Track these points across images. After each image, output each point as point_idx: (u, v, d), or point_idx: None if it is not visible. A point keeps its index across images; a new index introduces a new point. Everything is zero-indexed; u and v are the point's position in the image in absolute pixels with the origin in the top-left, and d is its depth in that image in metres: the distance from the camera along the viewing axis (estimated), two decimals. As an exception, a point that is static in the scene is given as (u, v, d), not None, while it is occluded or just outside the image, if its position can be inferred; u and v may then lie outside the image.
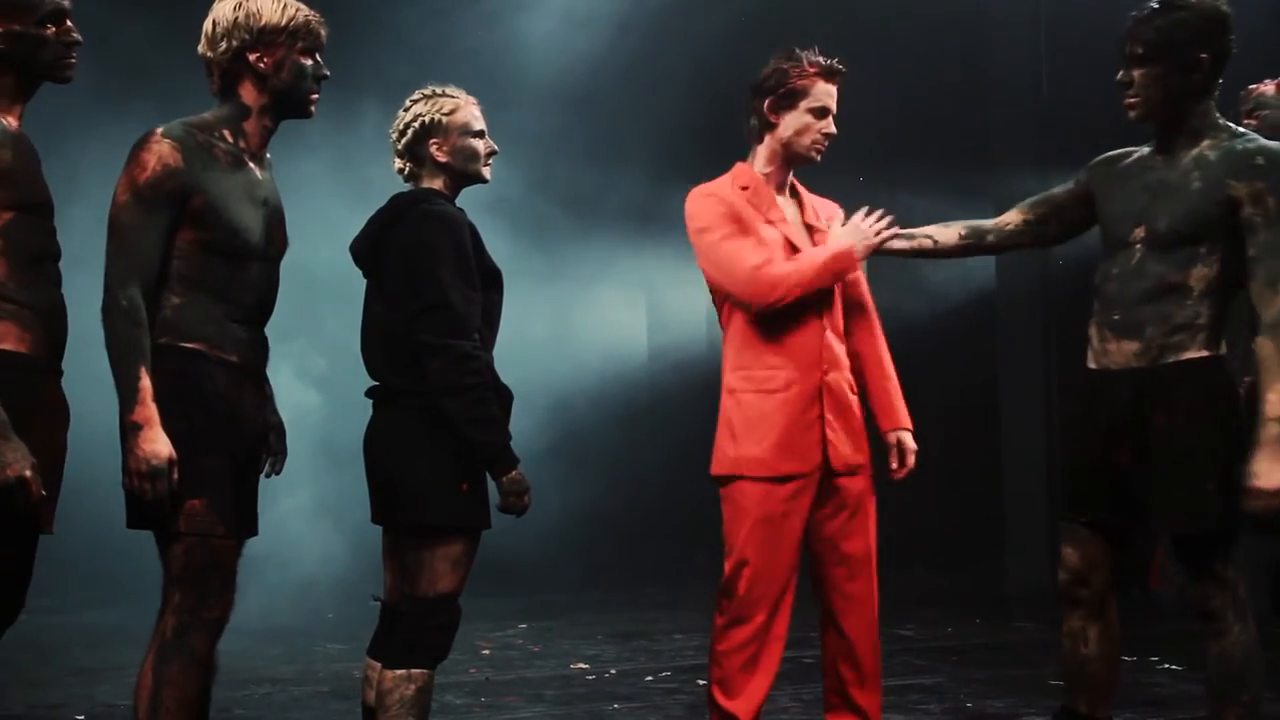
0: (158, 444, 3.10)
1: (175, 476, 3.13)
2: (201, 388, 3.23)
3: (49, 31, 3.17)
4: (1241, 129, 3.52)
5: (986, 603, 8.55)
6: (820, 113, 3.83)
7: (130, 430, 3.11)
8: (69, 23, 3.21)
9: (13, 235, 3.12)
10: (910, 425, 3.99)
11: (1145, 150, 3.63)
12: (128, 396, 3.12)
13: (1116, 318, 3.53)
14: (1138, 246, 3.51)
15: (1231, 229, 3.41)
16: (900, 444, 3.96)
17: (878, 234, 3.80)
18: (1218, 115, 3.51)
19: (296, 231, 3.54)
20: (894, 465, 3.96)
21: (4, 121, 3.15)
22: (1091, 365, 3.63)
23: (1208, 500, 3.40)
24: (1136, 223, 3.52)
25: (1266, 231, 3.35)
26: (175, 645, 3.18)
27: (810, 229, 3.90)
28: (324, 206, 7.39)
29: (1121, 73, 3.51)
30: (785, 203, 3.92)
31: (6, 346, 3.09)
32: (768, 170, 3.90)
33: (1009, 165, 9.08)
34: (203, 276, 3.24)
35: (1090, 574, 3.66)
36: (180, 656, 3.18)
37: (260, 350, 3.41)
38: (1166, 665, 5.82)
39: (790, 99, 3.82)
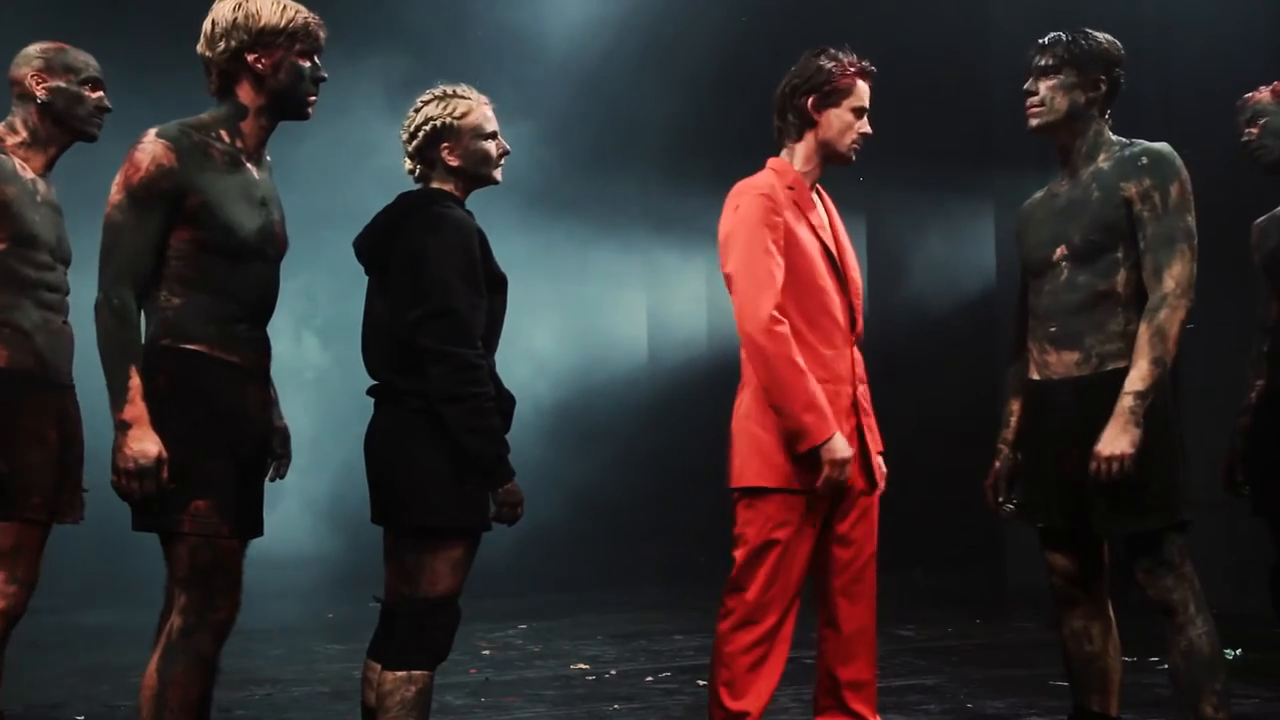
0: (145, 442, 3.11)
1: (164, 475, 3.13)
2: (204, 388, 3.23)
3: (87, 93, 3.83)
4: (1132, 140, 3.67)
5: (986, 603, 8.55)
6: (860, 112, 3.86)
7: (119, 428, 3.12)
8: (102, 91, 3.87)
9: (3, 262, 3.68)
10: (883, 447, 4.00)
11: (1052, 183, 3.83)
12: (118, 395, 3.13)
13: (1054, 330, 3.68)
14: (1062, 264, 3.67)
15: (1134, 230, 3.58)
16: (877, 467, 3.98)
17: (837, 472, 3.66)
18: (1110, 134, 3.71)
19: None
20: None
21: (13, 162, 3.74)
22: (1034, 377, 3.78)
23: (1153, 498, 3.52)
24: (1055, 244, 3.70)
25: (1154, 225, 3.55)
26: (181, 646, 3.19)
27: (838, 226, 3.90)
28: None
29: (1029, 83, 3.72)
30: (815, 201, 3.90)
31: None
32: (807, 169, 3.88)
33: (1009, 165, 9.08)
34: (201, 276, 3.24)
35: (1082, 573, 3.75)
36: (185, 657, 3.19)
37: (263, 350, 3.41)
38: (1166, 666, 5.82)
39: (834, 97, 3.83)
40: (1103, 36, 3.70)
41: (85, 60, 3.89)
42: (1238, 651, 5.98)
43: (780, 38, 8.37)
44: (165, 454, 3.12)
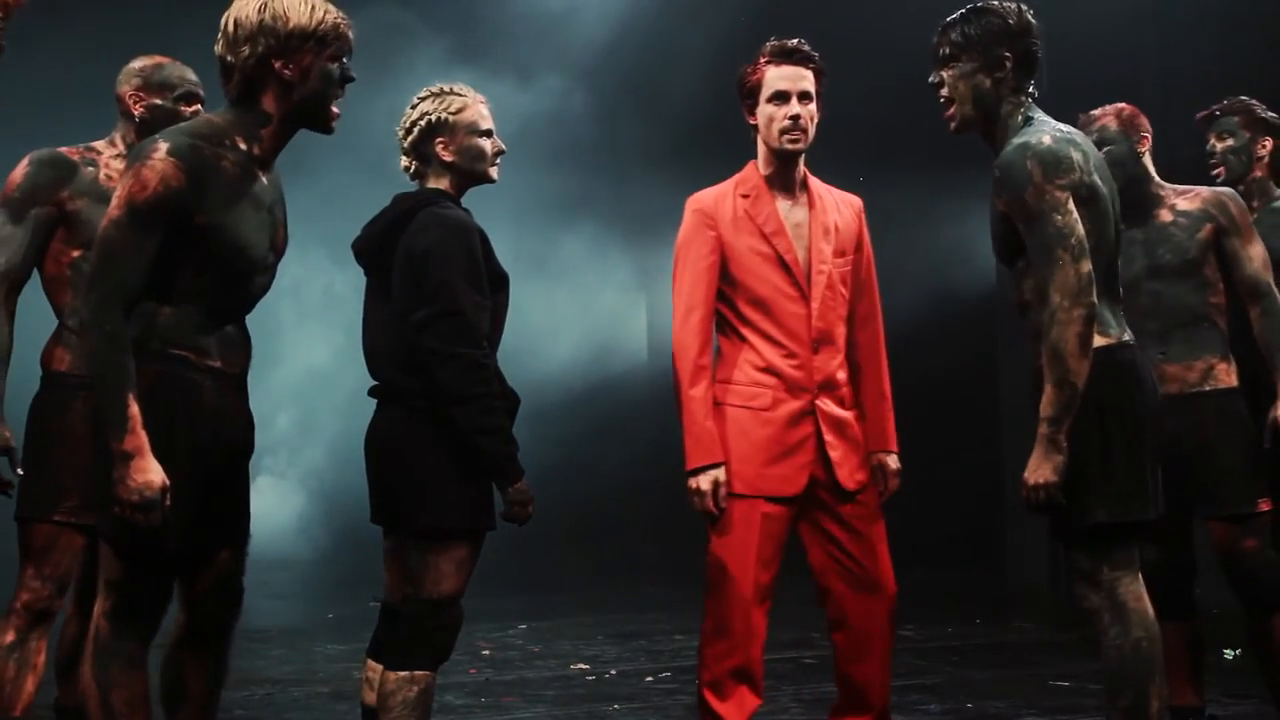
0: (150, 473, 2.96)
1: (168, 504, 2.98)
2: (185, 397, 3.09)
3: (182, 109, 3.94)
4: (1036, 125, 3.45)
5: (986, 603, 8.54)
6: (778, 98, 3.78)
7: (120, 459, 2.95)
8: (199, 104, 3.97)
9: (81, 268, 3.82)
10: (896, 448, 3.96)
11: None
12: (116, 424, 2.95)
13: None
14: (1010, 272, 3.52)
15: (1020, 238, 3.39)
16: (884, 467, 3.94)
17: (703, 500, 3.84)
18: (1022, 119, 3.46)
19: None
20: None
21: (98, 171, 3.89)
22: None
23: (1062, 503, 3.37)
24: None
25: (1028, 238, 3.34)
26: (113, 649, 3.10)
27: (823, 229, 3.86)
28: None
29: (932, 74, 3.53)
30: (788, 205, 3.87)
31: (52, 367, 3.92)
32: (768, 172, 3.88)
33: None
34: (200, 289, 3.10)
35: None
36: (119, 660, 3.09)
37: (245, 349, 3.26)
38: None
39: (753, 95, 3.83)
40: (1004, 8, 3.45)
41: (181, 75, 3.99)
42: (1237, 651, 5.98)
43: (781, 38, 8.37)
44: (169, 482, 2.98)
